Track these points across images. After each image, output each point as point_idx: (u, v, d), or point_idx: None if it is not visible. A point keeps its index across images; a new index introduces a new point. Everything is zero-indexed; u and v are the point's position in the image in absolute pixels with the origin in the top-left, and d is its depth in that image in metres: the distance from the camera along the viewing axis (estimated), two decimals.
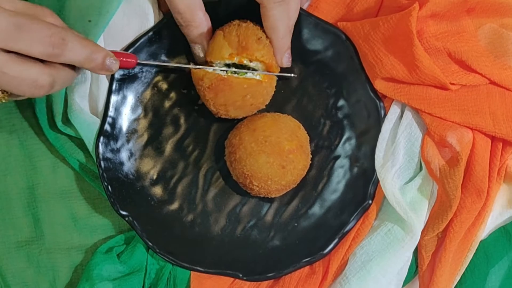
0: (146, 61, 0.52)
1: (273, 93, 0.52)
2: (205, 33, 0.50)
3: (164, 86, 0.54)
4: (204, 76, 0.49)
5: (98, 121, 0.52)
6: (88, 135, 0.52)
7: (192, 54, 0.52)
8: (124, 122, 0.53)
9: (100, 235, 0.55)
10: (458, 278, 0.52)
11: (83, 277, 0.52)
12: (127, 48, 0.51)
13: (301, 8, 0.51)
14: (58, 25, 0.43)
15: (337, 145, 0.54)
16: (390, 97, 0.53)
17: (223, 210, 0.54)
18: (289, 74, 0.53)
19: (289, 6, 0.48)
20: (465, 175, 0.51)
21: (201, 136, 0.54)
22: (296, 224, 0.54)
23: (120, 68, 0.47)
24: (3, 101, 0.43)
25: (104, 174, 0.51)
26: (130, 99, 0.53)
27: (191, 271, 0.53)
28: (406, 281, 0.54)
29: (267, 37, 0.49)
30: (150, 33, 0.52)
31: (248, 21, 0.49)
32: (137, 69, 0.52)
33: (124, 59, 0.48)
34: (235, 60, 0.49)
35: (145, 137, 0.54)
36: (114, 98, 0.52)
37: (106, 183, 0.51)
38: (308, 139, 0.52)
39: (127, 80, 0.52)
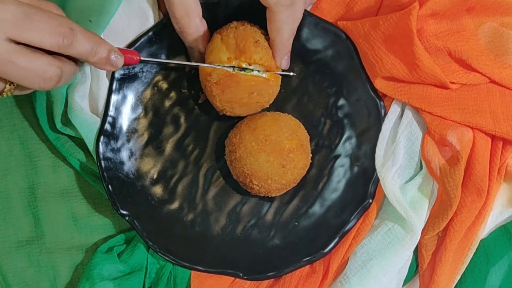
0: (149, 58, 0.52)
1: (277, 92, 0.52)
2: (200, 39, 0.50)
3: (164, 85, 0.54)
4: (213, 72, 0.49)
5: (98, 121, 0.52)
6: (89, 135, 0.52)
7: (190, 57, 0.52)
8: (125, 121, 0.53)
9: (101, 235, 0.55)
10: (458, 277, 0.52)
11: (83, 276, 0.52)
12: (127, 48, 0.51)
13: None
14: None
15: (338, 144, 0.54)
16: (390, 96, 0.53)
17: (224, 209, 0.54)
18: (289, 73, 0.52)
19: (295, 9, 0.48)
20: (465, 174, 0.51)
21: (201, 135, 0.54)
22: (296, 223, 0.54)
23: (124, 64, 0.47)
24: (9, 94, 0.43)
25: (105, 174, 0.51)
26: (131, 98, 0.53)
27: (192, 271, 0.53)
28: (406, 280, 0.54)
29: (265, 39, 0.49)
30: (150, 33, 0.52)
31: (246, 23, 0.49)
32: (137, 69, 0.52)
33: (128, 56, 0.48)
34: (234, 63, 0.49)
35: (145, 137, 0.54)
36: (114, 98, 0.52)
37: (106, 183, 0.51)
38: (308, 138, 0.52)
39: (127, 79, 0.52)
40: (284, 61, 0.51)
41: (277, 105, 0.54)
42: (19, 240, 0.54)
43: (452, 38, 0.51)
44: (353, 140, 0.54)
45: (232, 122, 0.53)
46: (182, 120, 0.54)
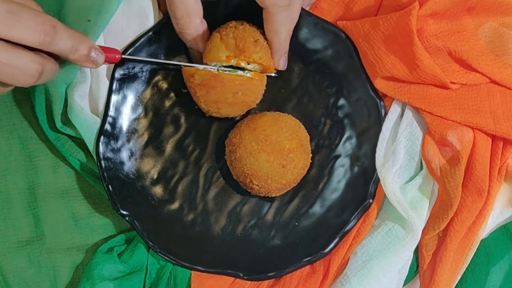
0: (131, 56, 0.51)
1: (263, 91, 0.51)
2: (200, 38, 0.50)
3: (164, 85, 0.54)
4: (195, 73, 0.49)
5: (98, 121, 0.52)
6: (89, 135, 0.52)
7: (190, 56, 0.52)
8: (125, 121, 0.53)
9: (101, 235, 0.55)
10: (459, 277, 0.52)
11: (83, 276, 0.52)
12: (127, 48, 0.51)
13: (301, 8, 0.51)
14: None
15: (338, 144, 0.54)
16: (390, 96, 0.53)
17: (224, 209, 0.54)
18: (272, 74, 0.51)
19: (292, 10, 0.48)
20: (465, 174, 0.51)
21: (202, 136, 0.54)
22: (296, 224, 0.54)
23: (104, 62, 0.47)
24: None
25: (105, 174, 0.51)
26: (131, 98, 0.53)
27: (192, 271, 0.53)
28: (407, 280, 0.54)
29: (264, 38, 0.49)
30: (150, 33, 0.52)
31: (245, 23, 0.49)
32: (137, 69, 0.52)
33: (108, 54, 0.48)
34: (233, 62, 0.49)
35: (145, 137, 0.54)
36: (114, 98, 0.52)
37: (106, 183, 0.51)
38: (309, 138, 0.52)
39: (127, 79, 0.52)
40: (281, 62, 0.51)
41: (277, 105, 0.54)
42: (19, 241, 0.54)
43: (452, 38, 0.51)
44: (353, 140, 0.54)
45: (232, 122, 0.53)
46: (182, 120, 0.54)
